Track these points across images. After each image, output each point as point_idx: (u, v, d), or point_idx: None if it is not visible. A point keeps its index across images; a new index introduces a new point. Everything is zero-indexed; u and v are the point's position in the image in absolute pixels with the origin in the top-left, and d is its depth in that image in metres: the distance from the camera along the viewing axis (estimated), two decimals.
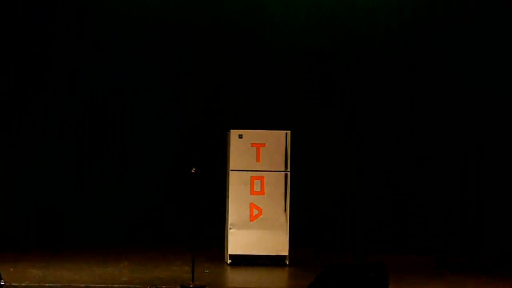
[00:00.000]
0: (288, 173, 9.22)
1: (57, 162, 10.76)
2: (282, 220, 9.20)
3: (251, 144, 9.26)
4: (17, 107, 10.76)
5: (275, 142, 9.28)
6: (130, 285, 7.66)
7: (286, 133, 9.24)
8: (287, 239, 9.18)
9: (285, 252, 9.21)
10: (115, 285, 7.63)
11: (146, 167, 10.89)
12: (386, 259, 7.55)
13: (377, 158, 10.86)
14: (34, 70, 10.76)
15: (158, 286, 7.46)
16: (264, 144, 9.26)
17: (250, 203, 9.21)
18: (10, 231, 10.38)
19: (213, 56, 10.94)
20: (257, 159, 9.23)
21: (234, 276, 8.88)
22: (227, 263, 9.24)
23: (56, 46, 10.83)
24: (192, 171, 7.93)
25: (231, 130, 9.29)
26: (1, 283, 6.81)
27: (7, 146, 10.65)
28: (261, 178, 9.23)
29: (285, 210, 9.19)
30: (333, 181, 10.76)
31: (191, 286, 7.61)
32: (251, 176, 9.23)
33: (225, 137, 9.54)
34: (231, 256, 9.20)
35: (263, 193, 9.22)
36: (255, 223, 9.21)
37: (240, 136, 9.32)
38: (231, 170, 9.27)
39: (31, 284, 7.47)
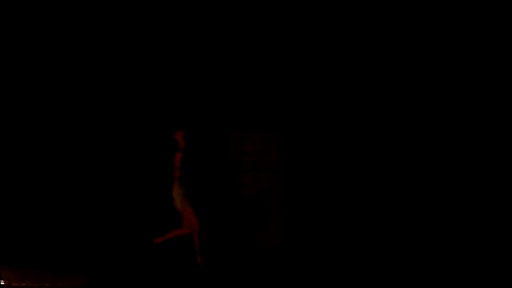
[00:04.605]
0: (287, 173, 9.27)
1: None
2: (280, 217, 9.25)
3: (251, 144, 9.31)
4: None
5: (274, 142, 9.32)
6: None
7: (285, 134, 9.29)
8: (284, 235, 9.23)
9: (283, 247, 9.27)
10: None
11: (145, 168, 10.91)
12: None
13: None
14: None
15: None
16: (264, 144, 9.31)
17: (250, 203, 9.25)
18: None
19: (212, 55, 10.95)
20: (257, 159, 9.28)
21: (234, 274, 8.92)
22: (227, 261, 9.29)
23: None
24: None
25: (231, 130, 9.32)
26: (1, 283, 6.81)
27: None
28: (261, 178, 9.27)
29: (284, 208, 9.25)
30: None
31: None
32: (251, 176, 9.28)
33: (226, 137, 9.57)
34: (231, 253, 9.25)
35: (263, 193, 9.26)
36: (255, 223, 9.25)
37: (241, 136, 9.35)
38: (231, 170, 9.31)
39: (31, 284, 7.49)
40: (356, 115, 10.99)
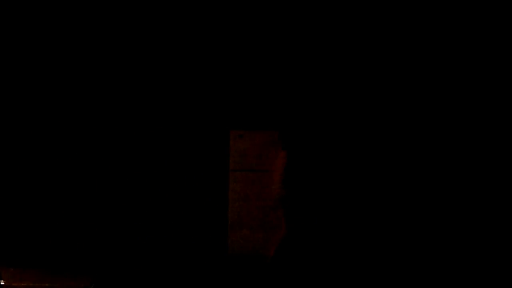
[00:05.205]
0: (285, 173, 9.23)
1: None
2: (280, 219, 9.21)
3: (251, 144, 9.28)
4: None
5: (274, 142, 9.29)
6: None
7: (285, 134, 9.25)
8: (283, 236, 9.18)
9: (281, 248, 9.23)
10: None
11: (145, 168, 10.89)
12: None
13: None
14: None
15: None
16: (263, 144, 9.28)
17: (250, 203, 9.23)
18: None
19: (212, 55, 10.93)
20: (257, 159, 9.25)
21: (234, 276, 8.89)
22: (227, 263, 9.26)
23: None
24: None
25: (231, 130, 9.30)
26: (1, 283, 6.81)
27: None
28: (261, 178, 9.25)
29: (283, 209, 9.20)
30: None
31: None
32: (250, 176, 9.25)
33: (226, 137, 9.55)
34: (231, 257, 9.22)
35: (263, 193, 9.23)
36: (255, 223, 9.23)
37: (240, 136, 9.33)
38: (231, 170, 9.29)
39: (31, 284, 7.49)
40: (357, 115, 10.96)
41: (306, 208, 9.67)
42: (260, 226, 9.31)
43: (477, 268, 9.56)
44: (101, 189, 10.76)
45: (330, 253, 9.87)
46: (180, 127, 11.01)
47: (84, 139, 10.87)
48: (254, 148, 9.48)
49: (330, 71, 10.94)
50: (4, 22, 10.77)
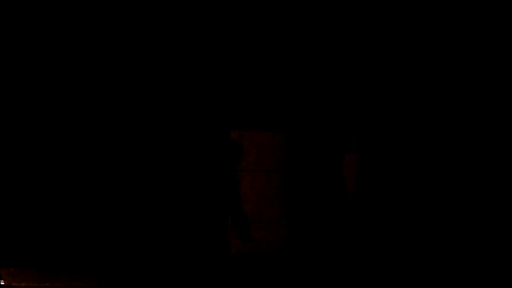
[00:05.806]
0: (286, 173, 9.27)
1: None
2: (280, 218, 9.24)
3: (251, 144, 9.30)
4: None
5: (274, 142, 9.31)
6: None
7: (284, 134, 9.28)
8: (284, 236, 9.22)
9: (282, 248, 9.26)
10: None
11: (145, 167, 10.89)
12: None
13: None
14: None
15: None
16: (263, 144, 9.30)
17: (250, 202, 9.25)
18: None
19: (213, 56, 10.93)
20: (256, 159, 9.27)
21: (235, 274, 8.90)
22: (227, 261, 9.27)
23: None
24: None
25: (231, 130, 9.32)
26: (1, 283, 6.82)
27: None
28: (260, 178, 9.27)
29: (283, 208, 9.24)
30: None
31: None
32: (250, 176, 9.28)
33: (225, 137, 9.55)
34: (231, 255, 9.23)
35: (262, 192, 9.25)
36: (255, 222, 9.25)
37: (240, 136, 9.34)
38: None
39: (31, 284, 7.50)
40: (358, 114, 10.97)
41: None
42: (261, 225, 9.31)
43: None
44: (101, 189, 10.76)
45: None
46: (180, 128, 11.02)
47: (84, 140, 10.88)
48: (253, 148, 9.48)
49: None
50: (5, 22, 10.80)
